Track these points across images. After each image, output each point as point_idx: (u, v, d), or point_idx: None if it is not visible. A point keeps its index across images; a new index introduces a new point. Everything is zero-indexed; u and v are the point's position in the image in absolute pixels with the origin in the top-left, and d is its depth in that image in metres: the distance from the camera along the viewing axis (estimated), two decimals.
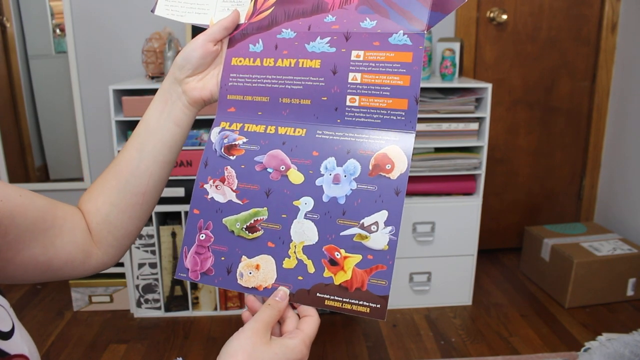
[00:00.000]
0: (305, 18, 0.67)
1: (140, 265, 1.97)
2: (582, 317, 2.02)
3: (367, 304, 0.58)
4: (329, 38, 0.65)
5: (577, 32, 2.36)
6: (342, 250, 0.59)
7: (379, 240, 0.58)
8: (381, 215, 0.59)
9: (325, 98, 0.64)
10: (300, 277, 0.60)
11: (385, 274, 0.58)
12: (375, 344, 1.86)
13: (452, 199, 2.02)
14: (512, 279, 2.33)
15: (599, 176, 2.52)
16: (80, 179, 2.29)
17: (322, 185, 0.61)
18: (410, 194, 2.01)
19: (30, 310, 2.06)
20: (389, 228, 0.59)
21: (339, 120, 0.63)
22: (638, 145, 2.26)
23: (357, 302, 0.58)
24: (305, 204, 0.61)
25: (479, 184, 2.00)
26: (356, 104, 0.63)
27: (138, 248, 1.95)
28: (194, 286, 2.02)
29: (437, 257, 2.05)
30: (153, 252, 1.96)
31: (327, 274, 0.59)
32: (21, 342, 0.54)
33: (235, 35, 0.70)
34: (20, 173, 2.35)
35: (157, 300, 2.02)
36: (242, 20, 0.70)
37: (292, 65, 0.66)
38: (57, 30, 2.21)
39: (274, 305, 0.59)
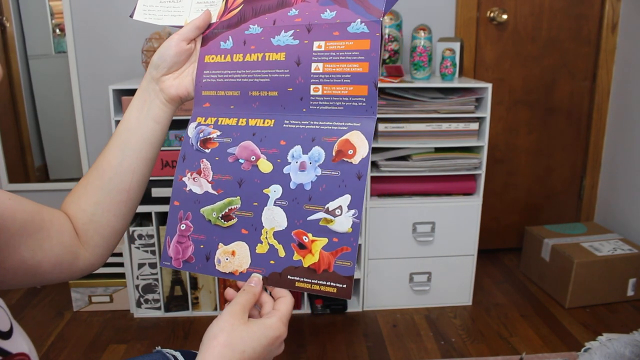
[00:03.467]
0: (271, 13, 0.70)
1: (140, 266, 1.97)
2: (583, 317, 2.02)
3: (334, 284, 0.61)
4: (292, 31, 0.68)
5: (578, 32, 2.35)
6: (310, 234, 0.62)
7: (343, 223, 0.61)
8: (345, 200, 0.62)
9: (290, 89, 0.67)
10: (272, 262, 0.64)
11: (349, 256, 0.61)
12: (375, 344, 1.86)
13: (452, 199, 2.01)
14: (512, 279, 2.33)
15: (599, 176, 2.52)
16: (80, 179, 2.29)
17: (289, 173, 0.65)
18: (410, 194, 2.01)
19: (30, 310, 2.05)
20: (352, 211, 0.61)
21: (304, 110, 0.67)
22: (638, 145, 2.25)
23: (324, 283, 0.61)
24: (275, 191, 0.65)
25: (479, 184, 2.00)
26: (320, 92, 0.66)
27: (138, 248, 1.95)
28: (194, 286, 2.02)
29: (437, 257, 2.05)
30: (153, 252, 1.96)
31: (296, 257, 0.63)
32: (21, 340, 0.55)
33: (208, 34, 0.73)
34: (20, 173, 2.35)
35: (157, 300, 2.02)
36: (214, 20, 0.73)
37: (260, 59, 0.69)
38: (57, 30, 2.21)
39: (248, 290, 0.62)
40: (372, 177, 1.95)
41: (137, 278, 1.99)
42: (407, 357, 1.79)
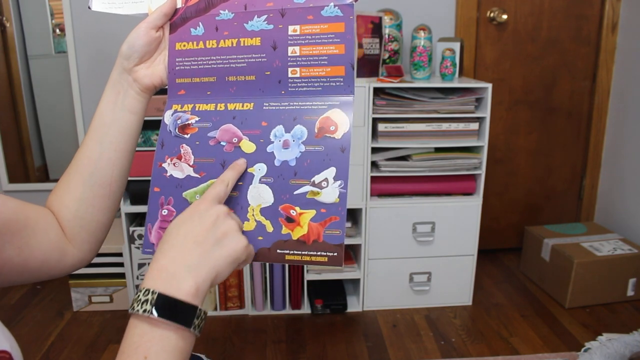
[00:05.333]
0: None
1: (140, 265, 1.97)
2: (582, 317, 2.02)
3: (325, 253, 0.62)
4: (265, 16, 0.68)
5: (577, 32, 2.35)
6: (297, 208, 0.63)
7: (330, 194, 0.63)
8: (330, 172, 0.63)
9: (268, 72, 0.68)
10: (260, 237, 0.64)
11: (338, 224, 0.62)
12: (375, 344, 1.86)
13: (452, 199, 2.01)
14: (512, 279, 2.33)
15: (599, 176, 2.52)
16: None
17: (273, 152, 0.66)
18: (410, 194, 2.01)
19: (30, 310, 2.05)
20: (338, 182, 0.63)
21: (283, 92, 0.68)
22: (638, 145, 2.25)
23: (315, 253, 0.62)
24: (259, 169, 0.66)
25: (479, 184, 2.00)
26: (297, 75, 0.67)
27: (138, 248, 1.95)
28: None
29: (437, 257, 2.05)
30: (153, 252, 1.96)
31: (285, 231, 0.63)
32: (2, 338, 0.54)
33: (175, 20, 0.72)
34: (20, 173, 2.35)
35: None
36: (179, 5, 0.72)
37: (234, 45, 0.70)
38: (57, 30, 2.21)
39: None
40: (372, 177, 1.95)
41: (137, 278, 1.99)
42: (407, 357, 1.79)
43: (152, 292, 0.51)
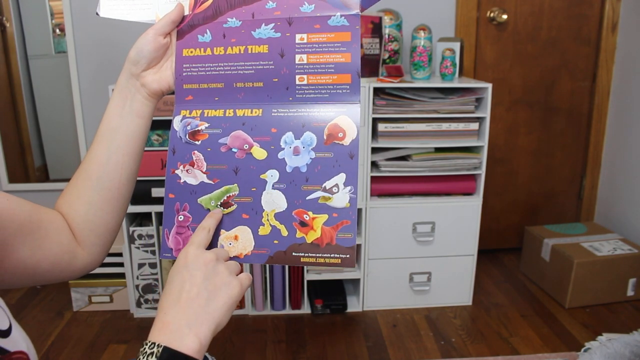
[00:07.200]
0: (248, 6, 0.71)
1: (140, 265, 1.97)
2: (582, 317, 2.02)
3: (338, 255, 0.65)
4: (273, 24, 0.70)
5: (577, 32, 2.35)
6: (310, 212, 0.66)
7: (340, 199, 0.66)
8: (340, 178, 0.66)
9: (276, 79, 0.70)
10: (275, 241, 0.67)
11: (350, 228, 0.65)
12: (375, 344, 1.86)
13: (452, 199, 2.01)
14: (512, 279, 2.33)
15: (599, 176, 2.52)
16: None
17: (284, 158, 0.68)
18: (410, 194, 2.01)
19: (30, 310, 2.05)
20: (348, 188, 0.66)
21: (290, 98, 0.69)
22: (638, 145, 2.25)
23: (329, 255, 0.65)
24: (272, 176, 0.68)
25: (479, 184, 2.00)
26: (305, 82, 0.69)
27: (138, 248, 1.95)
28: None
29: (437, 257, 2.05)
30: (153, 252, 1.96)
31: (299, 234, 0.66)
32: (20, 339, 0.55)
33: (183, 27, 0.73)
34: (20, 173, 2.35)
35: (157, 300, 2.02)
36: (187, 12, 0.73)
37: (242, 52, 0.71)
38: (57, 30, 2.21)
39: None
40: (372, 177, 1.95)
41: (137, 278, 1.99)
42: (407, 357, 1.79)
43: (158, 346, 0.53)
